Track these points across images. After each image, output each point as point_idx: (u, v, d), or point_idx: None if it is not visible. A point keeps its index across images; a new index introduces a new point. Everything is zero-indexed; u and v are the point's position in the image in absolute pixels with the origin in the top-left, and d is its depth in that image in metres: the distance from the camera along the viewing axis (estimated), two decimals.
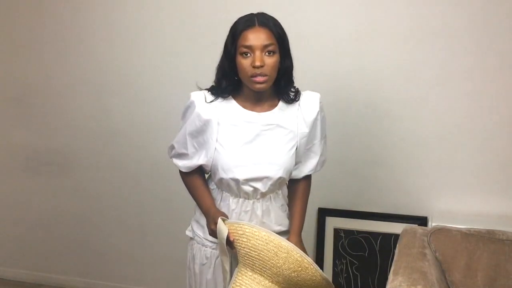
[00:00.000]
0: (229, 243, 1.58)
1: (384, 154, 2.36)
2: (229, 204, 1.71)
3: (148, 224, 2.82)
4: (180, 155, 1.75)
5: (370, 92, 2.32)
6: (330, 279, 2.48)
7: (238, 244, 1.56)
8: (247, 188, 1.67)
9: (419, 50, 2.23)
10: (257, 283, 1.53)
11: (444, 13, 2.17)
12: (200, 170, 1.76)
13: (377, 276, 2.42)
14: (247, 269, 1.56)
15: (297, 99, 1.71)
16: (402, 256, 1.82)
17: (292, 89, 1.71)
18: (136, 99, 2.68)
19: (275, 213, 1.75)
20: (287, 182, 1.81)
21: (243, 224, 1.56)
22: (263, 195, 1.70)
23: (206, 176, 1.82)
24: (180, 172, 1.79)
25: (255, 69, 1.54)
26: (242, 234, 1.54)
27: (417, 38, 2.22)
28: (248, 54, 1.56)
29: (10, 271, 3.14)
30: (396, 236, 2.06)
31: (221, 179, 1.68)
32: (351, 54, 2.31)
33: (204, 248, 1.79)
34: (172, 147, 1.78)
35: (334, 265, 2.46)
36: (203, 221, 1.75)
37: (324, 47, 2.33)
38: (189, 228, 1.87)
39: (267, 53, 1.56)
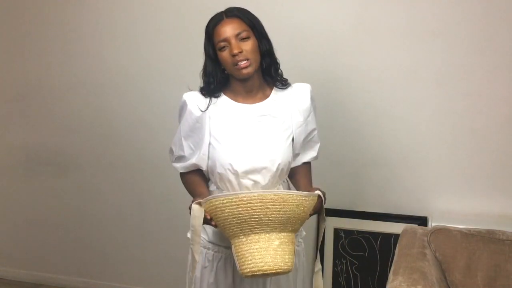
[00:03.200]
0: (208, 222, 1.55)
1: (384, 154, 2.36)
2: None
3: (148, 224, 2.82)
4: (179, 158, 1.75)
5: (370, 92, 2.32)
6: (330, 280, 2.49)
7: (217, 221, 1.52)
8: (247, 182, 1.66)
9: (419, 50, 2.22)
10: (255, 242, 1.49)
11: (444, 13, 2.17)
12: (198, 170, 1.76)
13: (377, 276, 2.42)
14: (240, 237, 1.51)
15: (287, 85, 1.73)
16: (402, 256, 1.82)
17: (279, 71, 1.73)
18: (136, 99, 2.68)
19: None
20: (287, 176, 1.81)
21: (210, 200, 1.52)
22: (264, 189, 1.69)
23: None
24: (180, 174, 1.79)
25: (235, 57, 1.59)
26: (215, 208, 1.50)
27: (417, 38, 2.22)
28: (226, 47, 1.61)
29: (10, 271, 3.14)
30: (396, 236, 2.06)
31: (220, 175, 1.67)
32: (350, 53, 2.31)
33: (206, 251, 1.76)
34: (171, 151, 1.78)
35: (334, 265, 2.46)
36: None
37: (323, 47, 2.33)
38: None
39: (241, 40, 1.61)
